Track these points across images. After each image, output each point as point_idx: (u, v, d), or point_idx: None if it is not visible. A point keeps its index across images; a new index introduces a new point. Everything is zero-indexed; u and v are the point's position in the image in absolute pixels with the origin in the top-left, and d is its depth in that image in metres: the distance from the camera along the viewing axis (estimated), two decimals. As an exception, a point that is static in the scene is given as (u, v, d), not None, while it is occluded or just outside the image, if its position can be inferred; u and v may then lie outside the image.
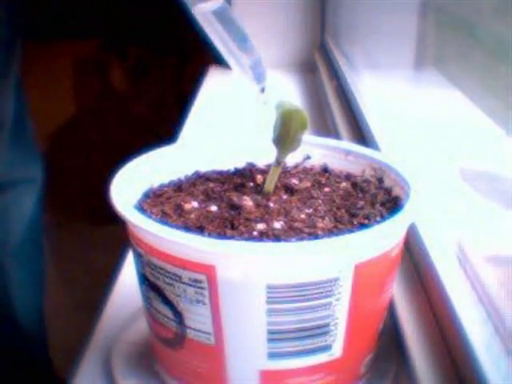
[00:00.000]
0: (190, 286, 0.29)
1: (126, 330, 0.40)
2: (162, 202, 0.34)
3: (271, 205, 0.33)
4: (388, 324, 0.36)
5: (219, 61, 1.18)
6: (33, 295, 0.93)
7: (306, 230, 0.30)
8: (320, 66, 1.00)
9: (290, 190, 0.35)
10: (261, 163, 0.39)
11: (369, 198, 0.34)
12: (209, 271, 0.28)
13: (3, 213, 0.87)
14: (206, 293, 0.29)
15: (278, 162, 0.34)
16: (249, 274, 0.28)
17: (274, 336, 0.30)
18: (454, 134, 0.55)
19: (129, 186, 0.34)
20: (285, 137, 0.33)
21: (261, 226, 0.30)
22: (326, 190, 0.35)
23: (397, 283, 0.39)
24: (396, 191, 0.35)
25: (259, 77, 0.34)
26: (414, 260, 0.41)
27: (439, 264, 0.36)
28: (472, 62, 0.57)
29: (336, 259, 0.29)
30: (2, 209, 0.87)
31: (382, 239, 0.30)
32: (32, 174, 0.91)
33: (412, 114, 0.62)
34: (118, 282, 0.46)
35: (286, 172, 0.38)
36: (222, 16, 0.33)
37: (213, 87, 1.07)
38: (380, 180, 0.36)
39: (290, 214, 0.32)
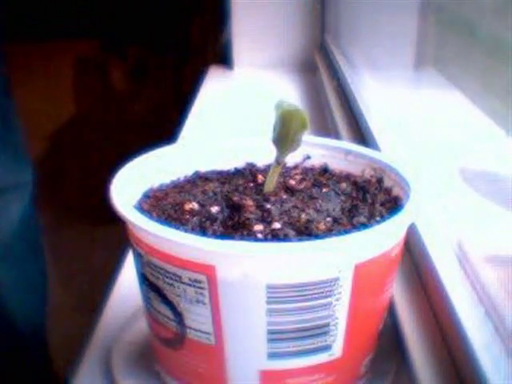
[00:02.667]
0: (190, 286, 0.29)
1: (126, 330, 0.40)
2: (162, 202, 0.34)
3: (271, 205, 0.33)
4: (388, 324, 0.36)
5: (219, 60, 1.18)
6: (29, 297, 0.93)
7: (306, 230, 0.30)
8: (320, 66, 1.00)
9: (290, 190, 0.35)
10: (261, 163, 0.39)
11: (369, 198, 0.34)
12: (209, 271, 0.28)
13: None
14: (206, 293, 0.29)
15: (278, 162, 0.34)
16: (249, 273, 0.28)
17: (274, 336, 0.30)
18: (454, 134, 0.55)
19: (129, 186, 0.34)
20: (285, 137, 0.33)
21: (261, 226, 0.30)
22: (326, 190, 0.35)
23: (397, 283, 0.39)
24: (396, 191, 0.35)
25: None
26: (414, 260, 0.41)
27: (439, 264, 0.36)
28: (472, 62, 0.57)
29: (336, 259, 0.29)
30: None
31: (381, 239, 0.30)
32: (21, 178, 0.90)
33: (412, 114, 0.62)
34: (117, 282, 0.46)
35: (286, 172, 0.38)
36: None
37: (213, 87, 1.07)
38: (380, 180, 0.36)
39: (289, 214, 0.32)
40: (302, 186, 0.35)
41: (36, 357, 0.95)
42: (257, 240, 0.29)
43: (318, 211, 0.32)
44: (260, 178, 0.36)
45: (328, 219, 0.31)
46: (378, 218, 0.32)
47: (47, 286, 0.97)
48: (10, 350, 0.90)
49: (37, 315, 0.95)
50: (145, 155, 0.37)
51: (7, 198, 0.88)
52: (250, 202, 0.33)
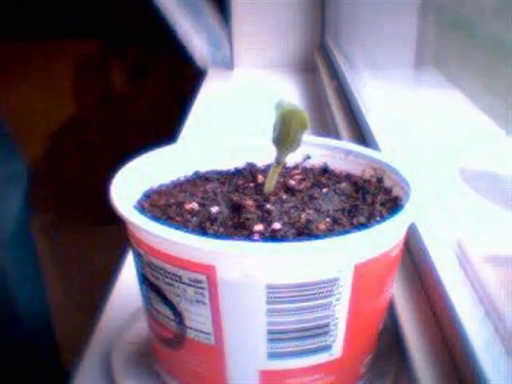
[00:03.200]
0: (190, 286, 0.29)
1: (126, 330, 0.40)
2: (162, 202, 0.34)
3: (271, 205, 0.33)
4: (388, 324, 0.36)
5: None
6: (34, 289, 0.94)
7: (306, 230, 0.30)
8: (320, 65, 1.00)
9: (290, 190, 0.35)
10: (261, 163, 0.39)
11: (369, 198, 0.34)
12: (209, 271, 0.28)
13: None
14: (206, 293, 0.29)
15: (278, 162, 0.34)
16: (249, 274, 0.28)
17: (274, 336, 0.30)
18: (454, 134, 0.55)
19: (129, 186, 0.34)
20: (285, 137, 0.33)
21: (261, 226, 0.30)
22: (326, 190, 0.35)
23: (397, 283, 0.39)
24: (396, 191, 0.35)
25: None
26: (413, 260, 0.42)
27: (439, 264, 0.36)
28: (472, 61, 0.57)
29: (336, 259, 0.29)
30: None
31: (381, 239, 0.30)
32: (14, 170, 0.91)
33: (412, 114, 0.62)
34: (117, 282, 0.46)
35: (286, 172, 0.38)
36: None
37: (213, 87, 1.07)
38: (380, 180, 0.36)
39: (289, 214, 0.32)
40: (301, 186, 0.35)
41: (44, 349, 0.95)
42: (257, 240, 0.29)
43: (317, 211, 0.32)
44: (260, 178, 0.36)
45: (328, 219, 0.31)
46: (377, 218, 0.32)
47: (43, 275, 0.97)
48: (19, 342, 0.91)
49: (41, 307, 0.95)
50: (145, 155, 0.37)
51: (4, 187, 0.88)
52: (250, 202, 0.33)
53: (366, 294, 0.31)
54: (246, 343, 0.30)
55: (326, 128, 0.78)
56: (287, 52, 1.13)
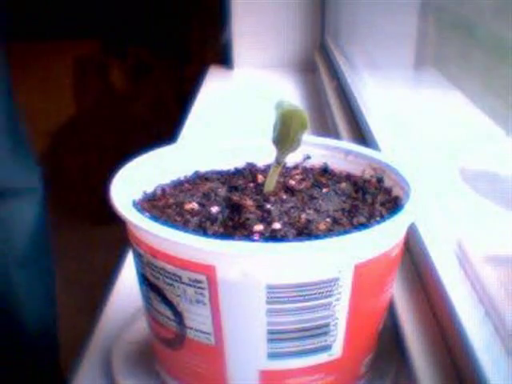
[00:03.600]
0: (190, 286, 0.29)
1: (126, 329, 0.40)
2: (162, 201, 0.34)
3: (271, 205, 0.33)
4: (388, 324, 0.36)
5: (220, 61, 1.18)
6: (42, 300, 0.93)
7: (306, 230, 0.30)
8: (320, 65, 1.00)
9: (290, 190, 0.35)
10: (261, 163, 0.39)
11: (369, 198, 0.34)
12: (209, 271, 0.28)
13: (6, 221, 0.87)
14: (206, 293, 0.29)
15: (278, 161, 0.34)
16: (249, 274, 0.28)
17: (274, 336, 0.30)
18: (454, 134, 0.55)
19: (129, 186, 0.34)
20: (285, 137, 0.33)
21: (261, 226, 0.30)
22: (326, 190, 0.35)
23: (397, 283, 0.39)
24: (396, 191, 0.35)
25: None
26: (414, 260, 0.42)
27: (439, 264, 0.36)
28: (472, 61, 0.57)
29: (336, 259, 0.29)
30: (4, 217, 0.86)
31: (381, 239, 0.30)
32: (32, 183, 0.91)
33: (412, 114, 0.62)
34: (117, 282, 0.46)
35: (286, 172, 0.38)
36: None
37: (213, 87, 1.07)
38: (380, 180, 0.36)
39: (289, 214, 0.32)
40: (301, 186, 0.35)
41: (46, 356, 0.95)
42: (257, 240, 0.29)
43: (317, 211, 0.32)
44: (260, 178, 0.36)
45: (328, 219, 0.31)
46: (377, 218, 0.32)
47: (55, 286, 0.97)
48: (22, 350, 0.90)
49: (48, 318, 0.95)
50: (145, 155, 0.37)
51: (21, 199, 0.88)
52: (249, 202, 0.33)
53: (366, 293, 0.31)
54: (246, 343, 0.30)
55: (326, 128, 0.78)
56: (287, 52, 1.13)
